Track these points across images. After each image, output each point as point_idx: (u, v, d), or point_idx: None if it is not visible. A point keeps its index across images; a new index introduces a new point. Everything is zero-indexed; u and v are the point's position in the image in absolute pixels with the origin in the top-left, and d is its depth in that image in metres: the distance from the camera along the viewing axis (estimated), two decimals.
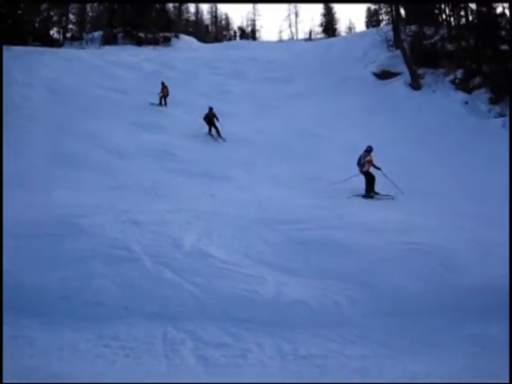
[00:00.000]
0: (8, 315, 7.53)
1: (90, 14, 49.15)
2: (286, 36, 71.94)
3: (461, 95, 26.03)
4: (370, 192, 15.25)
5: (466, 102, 25.52)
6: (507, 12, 29.24)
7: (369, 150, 15.83)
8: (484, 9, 28.50)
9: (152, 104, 25.53)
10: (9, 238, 9.44)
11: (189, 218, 11.12)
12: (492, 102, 25.25)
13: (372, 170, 15.67)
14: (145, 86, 28.24)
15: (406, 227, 11.11)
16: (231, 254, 9.49)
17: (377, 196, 15.16)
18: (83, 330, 7.51)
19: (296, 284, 8.71)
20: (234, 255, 9.44)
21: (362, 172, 15.64)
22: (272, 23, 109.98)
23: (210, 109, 22.03)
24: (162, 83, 26.16)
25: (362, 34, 38.87)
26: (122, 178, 15.65)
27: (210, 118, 21.72)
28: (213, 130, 21.78)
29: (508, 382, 5.08)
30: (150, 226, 10.43)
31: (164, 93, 25.95)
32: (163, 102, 25.84)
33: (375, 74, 29.84)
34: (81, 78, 28.23)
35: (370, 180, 15.44)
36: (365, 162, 15.61)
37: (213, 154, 18.60)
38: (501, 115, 23.89)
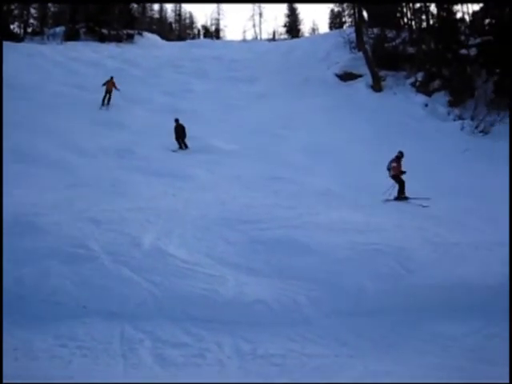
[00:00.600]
0: None
1: (52, 8, 48.30)
2: (249, 36, 72.00)
3: (421, 98, 26.46)
4: (401, 195, 15.37)
5: (426, 105, 25.95)
6: (466, 17, 29.92)
7: (398, 157, 15.93)
8: (444, 13, 29.00)
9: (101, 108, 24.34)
10: None
11: (149, 217, 11.01)
12: (451, 104, 25.73)
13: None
14: None
15: (366, 227, 11.22)
16: (192, 253, 9.44)
17: (409, 199, 15.24)
18: (39, 329, 7.38)
19: (257, 284, 8.70)
20: (194, 255, 9.39)
21: (390, 176, 15.78)
22: (236, 23, 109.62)
23: (177, 121, 20.20)
24: (111, 78, 25.03)
25: (325, 35, 39.14)
26: (82, 175, 15.42)
27: (179, 132, 19.84)
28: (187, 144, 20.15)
29: (508, 381, 5.16)
30: (109, 224, 10.30)
31: (108, 87, 24.63)
32: (105, 101, 24.36)
33: (338, 76, 30.09)
34: (41, 74, 27.75)
35: (399, 184, 15.55)
36: (391, 168, 15.75)
37: (175, 153, 18.47)
38: (460, 118, 24.35)
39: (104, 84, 24.85)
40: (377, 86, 28.28)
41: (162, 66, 32.61)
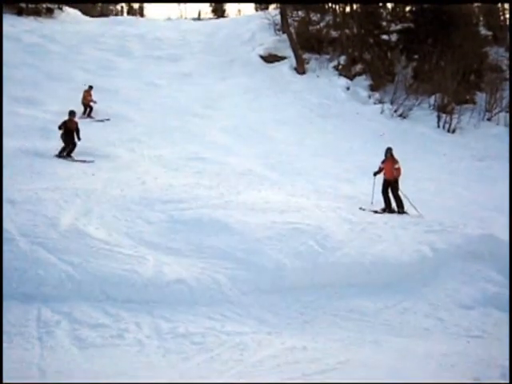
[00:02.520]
0: None
1: None
2: (174, 15, 71.04)
3: (343, 81, 26.98)
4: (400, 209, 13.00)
5: (348, 88, 26.50)
6: (388, 4, 30.62)
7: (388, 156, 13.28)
8: None
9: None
10: None
11: (66, 197, 10.74)
12: (372, 88, 26.42)
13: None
14: (24, 58, 26.83)
15: (286, 207, 11.42)
16: (111, 233, 9.33)
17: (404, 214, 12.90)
18: None
19: (176, 263, 8.73)
20: (113, 235, 9.28)
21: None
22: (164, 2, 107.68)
23: (71, 113, 15.97)
24: (90, 88, 21.65)
25: (250, 16, 39.02)
26: None
27: (69, 129, 15.41)
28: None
29: (508, 381, 5.36)
30: (25, 204, 9.99)
31: (86, 100, 21.11)
32: (86, 113, 20.74)
33: (262, 57, 30.16)
34: None
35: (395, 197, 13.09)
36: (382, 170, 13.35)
37: (94, 132, 18.03)
38: (380, 102, 25.03)
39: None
40: (300, 69, 28.57)
41: (83, 42, 31.62)
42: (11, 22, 33.90)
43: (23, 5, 39.12)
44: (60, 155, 15.07)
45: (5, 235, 8.72)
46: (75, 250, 8.56)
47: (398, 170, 12.97)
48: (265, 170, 15.87)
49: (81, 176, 13.03)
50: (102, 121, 20.23)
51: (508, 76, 24.93)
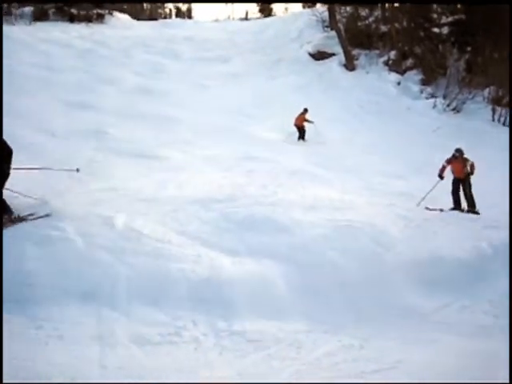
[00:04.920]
0: None
1: None
2: (222, 16, 71.45)
3: (393, 76, 26.62)
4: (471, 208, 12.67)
5: (399, 83, 26.13)
6: None
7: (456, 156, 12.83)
8: None
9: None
10: None
11: (122, 198, 10.95)
12: (423, 83, 25.96)
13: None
14: (78, 64, 27.51)
15: (338, 205, 11.34)
16: (167, 233, 9.42)
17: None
18: (14, 312, 7.35)
19: (231, 262, 8.75)
20: (169, 234, 9.37)
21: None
22: (208, 2, 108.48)
23: None
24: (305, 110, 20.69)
25: (297, 14, 38.91)
26: (54, 157, 15.24)
27: None
28: None
29: (508, 381, 5.28)
30: (83, 205, 10.20)
31: (298, 123, 20.34)
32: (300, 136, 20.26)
33: (310, 54, 30.07)
34: (10, 56, 27.20)
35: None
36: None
37: (148, 133, 18.36)
38: (432, 96, 24.59)
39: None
40: (350, 65, 28.35)
41: (133, 46, 32.21)
42: (63, 29, 34.82)
43: (75, 11, 40.05)
44: None
45: (62, 235, 8.94)
46: (132, 250, 8.69)
47: (472, 166, 12.52)
48: (316, 168, 15.81)
49: (135, 177, 13.25)
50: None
51: None
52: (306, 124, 20.23)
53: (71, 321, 7.24)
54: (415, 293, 8.61)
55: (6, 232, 8.79)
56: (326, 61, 29.14)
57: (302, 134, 20.26)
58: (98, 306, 7.61)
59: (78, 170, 11.21)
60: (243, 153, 16.73)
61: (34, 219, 9.47)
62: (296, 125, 20.25)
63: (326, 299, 8.28)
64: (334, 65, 28.50)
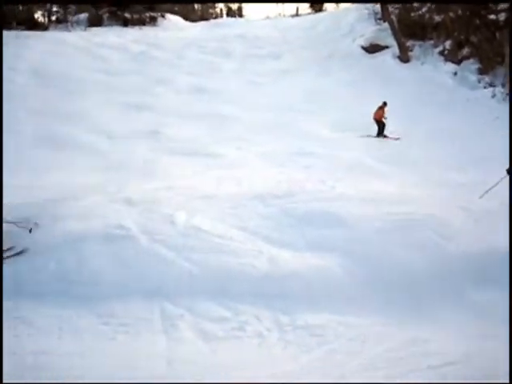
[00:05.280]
0: (7, 300, 7.55)
1: None
2: (273, 13, 71.35)
3: (449, 66, 25.99)
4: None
5: (455, 73, 25.49)
6: None
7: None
8: None
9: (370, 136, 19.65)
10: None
11: (181, 196, 11.08)
12: (481, 72, 25.23)
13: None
14: (132, 66, 28.00)
15: (399, 198, 11.17)
16: (226, 228, 9.50)
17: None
18: (81, 309, 7.56)
19: (291, 256, 8.76)
20: (228, 230, 9.45)
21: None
22: (258, 2, 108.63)
23: None
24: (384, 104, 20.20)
25: (348, 8, 38.50)
26: (112, 158, 15.60)
27: None
28: None
29: (508, 382, 5.15)
30: (143, 204, 10.41)
31: (379, 116, 19.78)
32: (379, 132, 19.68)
33: (363, 48, 29.68)
34: (67, 61, 27.92)
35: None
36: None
37: (203, 132, 18.53)
38: (490, 85, 23.93)
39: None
40: (404, 57, 27.85)
41: (186, 46, 32.53)
42: (118, 33, 35.50)
43: (128, 15, 40.80)
44: None
45: (126, 233, 9.15)
46: (193, 246, 8.81)
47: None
48: (373, 161, 15.62)
49: (192, 175, 13.41)
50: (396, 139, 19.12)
51: None
52: (383, 119, 19.69)
53: (136, 317, 7.40)
54: (478, 285, 8.37)
55: (67, 230, 9.04)
56: (380, 54, 28.70)
57: (381, 129, 19.62)
58: (162, 301, 7.74)
59: (30, 231, 9.45)
60: (298, 148, 16.67)
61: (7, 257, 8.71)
62: (375, 119, 19.81)
63: (389, 293, 8.16)
64: (388, 57, 28.06)
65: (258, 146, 16.89)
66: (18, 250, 8.89)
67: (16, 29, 33.67)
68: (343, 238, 9.28)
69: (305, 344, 6.75)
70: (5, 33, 29.56)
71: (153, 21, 41.26)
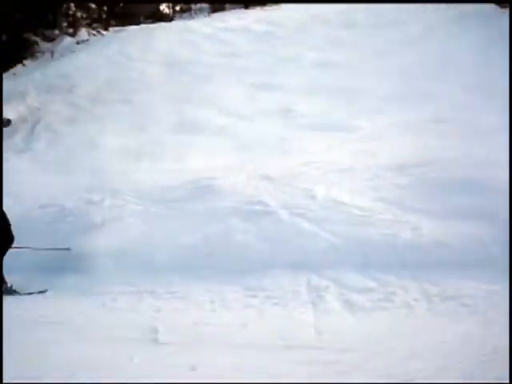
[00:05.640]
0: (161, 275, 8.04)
1: None
2: None
3: None
4: None
5: None
6: None
7: None
8: None
9: None
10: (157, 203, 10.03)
11: (318, 170, 11.14)
12: None
13: None
14: (256, 47, 28.24)
15: None
16: (365, 200, 9.46)
17: None
18: (230, 283, 7.88)
19: (436, 226, 8.57)
20: (368, 202, 9.40)
21: None
22: None
23: None
24: None
25: None
26: (246, 138, 15.90)
27: None
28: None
29: (508, 382, 4.79)
30: (282, 180, 10.57)
31: None
32: None
33: None
34: (192, 48, 28.71)
35: None
36: None
37: (333, 107, 18.33)
38: None
39: None
40: None
41: (309, 22, 32.23)
42: (239, 16, 35.90)
43: None
44: None
45: (266, 209, 9.39)
46: (334, 219, 8.87)
47: None
48: None
49: (327, 150, 13.36)
50: None
51: None
52: None
53: (283, 289, 7.62)
54: None
55: (210, 207, 9.42)
56: None
57: None
58: (307, 274, 7.88)
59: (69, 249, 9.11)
60: (430, 115, 15.98)
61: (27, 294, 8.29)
62: None
63: None
64: None
65: (391, 116, 16.42)
66: None
67: (144, 23, 35.17)
68: (490, 205, 8.86)
69: (455, 314, 6.61)
70: (131, 28, 31.09)
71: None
